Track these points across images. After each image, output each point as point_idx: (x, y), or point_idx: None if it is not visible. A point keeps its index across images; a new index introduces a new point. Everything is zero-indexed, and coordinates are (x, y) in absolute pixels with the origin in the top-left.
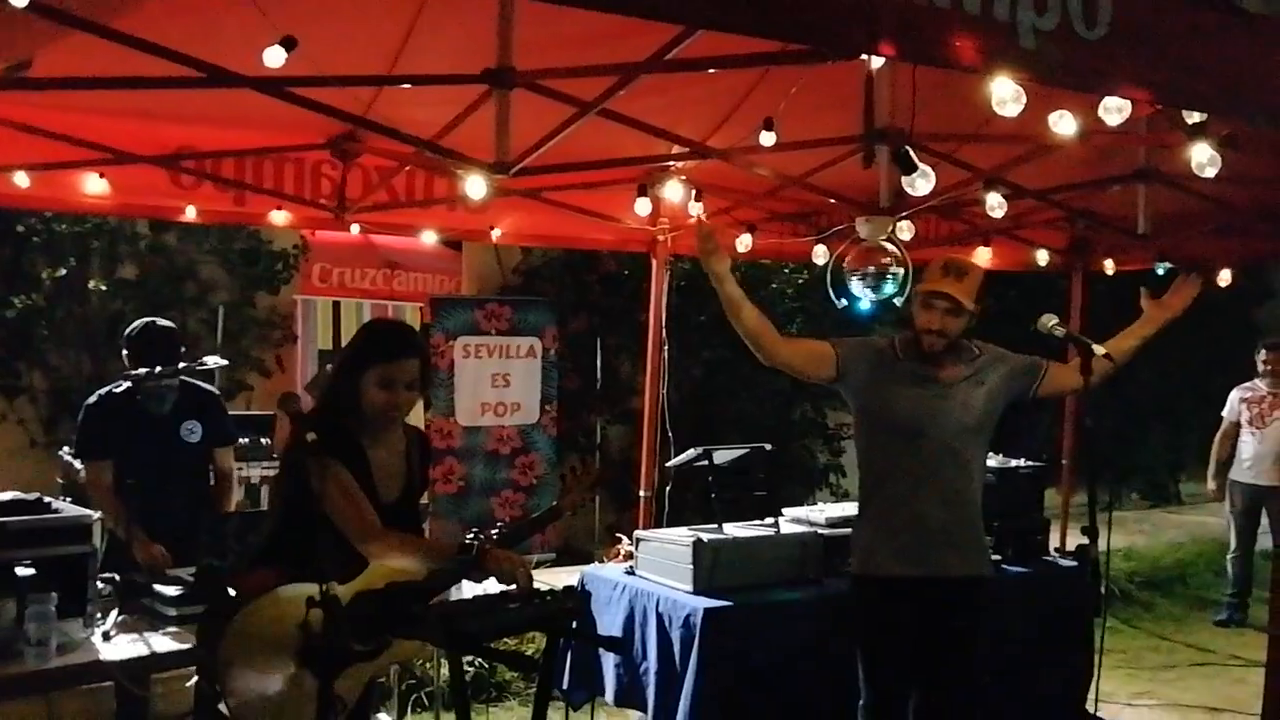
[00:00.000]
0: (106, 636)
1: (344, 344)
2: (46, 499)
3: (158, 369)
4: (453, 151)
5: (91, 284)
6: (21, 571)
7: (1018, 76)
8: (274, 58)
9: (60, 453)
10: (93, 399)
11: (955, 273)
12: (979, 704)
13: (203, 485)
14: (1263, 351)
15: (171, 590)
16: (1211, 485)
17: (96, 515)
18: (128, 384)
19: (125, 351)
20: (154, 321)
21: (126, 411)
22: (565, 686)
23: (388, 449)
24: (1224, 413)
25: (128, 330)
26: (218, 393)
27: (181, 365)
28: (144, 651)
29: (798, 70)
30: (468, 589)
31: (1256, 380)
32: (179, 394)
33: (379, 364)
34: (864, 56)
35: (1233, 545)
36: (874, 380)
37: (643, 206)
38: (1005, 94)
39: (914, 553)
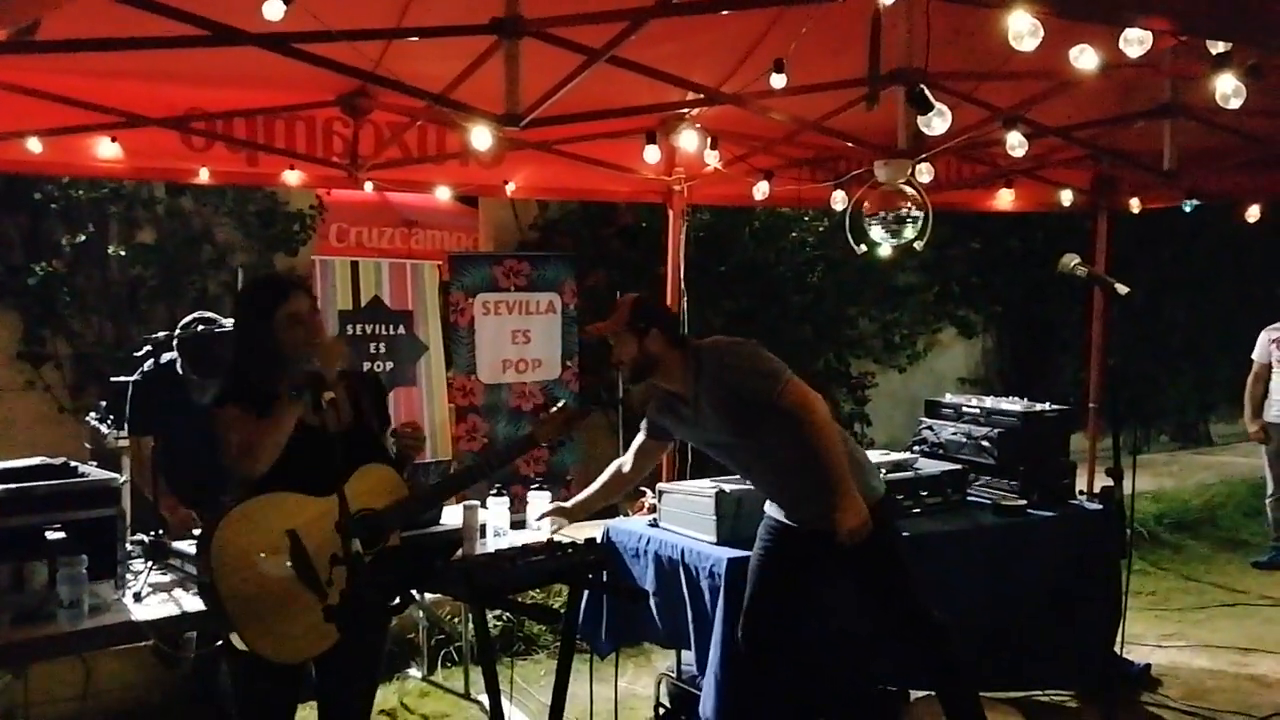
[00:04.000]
0: (138, 597)
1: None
2: (74, 463)
3: (176, 335)
4: (463, 104)
5: (111, 249)
6: (52, 535)
7: (1034, 9)
8: (273, 11)
9: (87, 418)
10: (138, 376)
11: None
12: (956, 648)
13: None
14: None
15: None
16: (1252, 428)
17: (123, 479)
18: (169, 356)
19: (179, 356)
20: (202, 326)
21: (170, 391)
22: (604, 638)
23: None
24: (1254, 355)
25: (180, 333)
26: None
27: (200, 328)
28: (175, 611)
29: (810, 11)
30: (491, 544)
31: None
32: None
33: (280, 306)
34: None
35: (1270, 488)
36: (672, 418)
37: (651, 154)
38: (1022, 28)
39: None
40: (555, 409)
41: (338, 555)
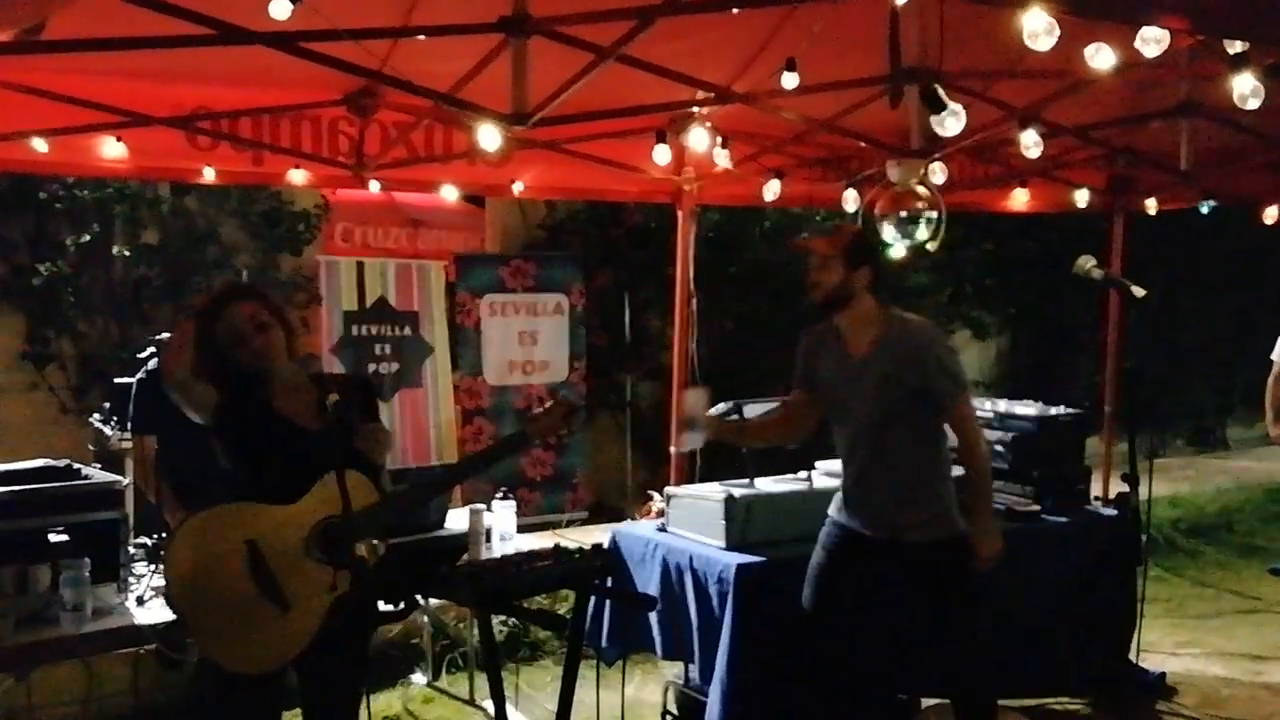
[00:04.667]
0: (141, 601)
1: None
2: (77, 466)
3: None
4: (470, 104)
5: (115, 250)
6: (54, 538)
7: (1050, 8)
8: (280, 10)
9: (91, 420)
10: (142, 375)
11: (828, 232)
12: (981, 661)
13: None
14: None
15: None
16: (1274, 431)
17: (126, 481)
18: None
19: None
20: None
21: None
22: (605, 644)
23: (286, 385)
24: (1274, 356)
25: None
26: None
27: None
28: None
29: (821, 9)
30: (497, 549)
31: None
32: None
33: (215, 321)
34: None
35: None
36: (819, 364)
37: (661, 154)
38: (1037, 26)
39: (851, 508)
40: (551, 403)
41: (323, 559)
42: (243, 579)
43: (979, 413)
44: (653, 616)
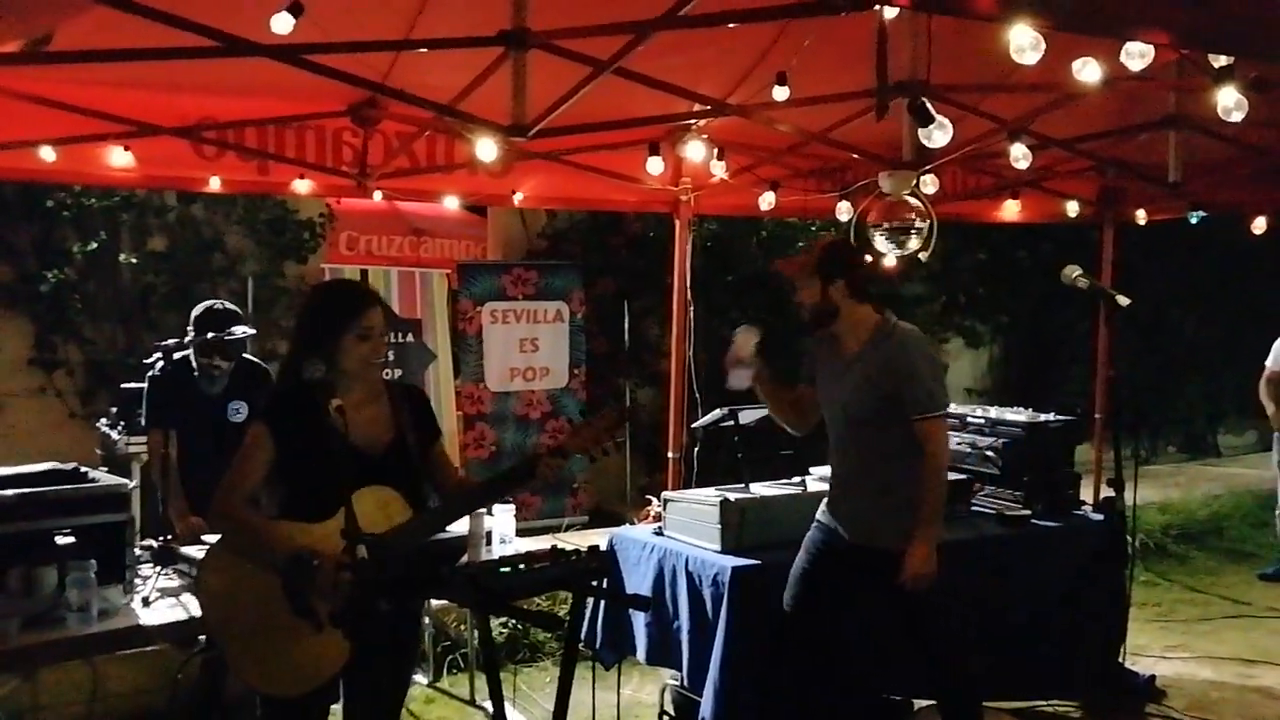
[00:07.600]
0: (146, 602)
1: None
2: (84, 469)
3: (185, 339)
4: (471, 115)
5: (122, 257)
6: (61, 540)
7: (1035, 23)
8: (281, 24)
9: (98, 424)
10: (155, 371)
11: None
12: (964, 663)
13: None
14: None
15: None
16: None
17: (133, 484)
18: (181, 354)
19: (190, 329)
20: (217, 304)
21: (184, 385)
22: (598, 647)
23: (362, 403)
24: (1268, 361)
25: (195, 310)
26: (270, 371)
27: (210, 335)
28: (183, 616)
29: (815, 23)
30: (496, 551)
31: None
32: (234, 373)
33: (355, 318)
34: (877, 7)
35: None
36: (819, 364)
37: (654, 166)
38: (1024, 41)
39: (833, 509)
40: (604, 412)
41: (343, 565)
42: (275, 600)
43: (970, 418)
44: (639, 621)
